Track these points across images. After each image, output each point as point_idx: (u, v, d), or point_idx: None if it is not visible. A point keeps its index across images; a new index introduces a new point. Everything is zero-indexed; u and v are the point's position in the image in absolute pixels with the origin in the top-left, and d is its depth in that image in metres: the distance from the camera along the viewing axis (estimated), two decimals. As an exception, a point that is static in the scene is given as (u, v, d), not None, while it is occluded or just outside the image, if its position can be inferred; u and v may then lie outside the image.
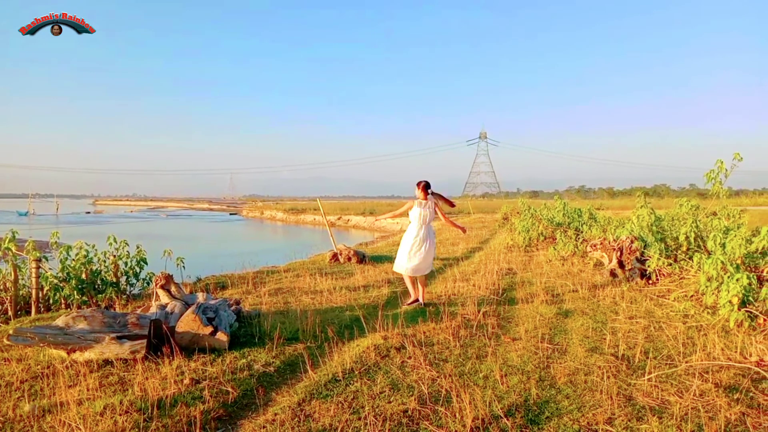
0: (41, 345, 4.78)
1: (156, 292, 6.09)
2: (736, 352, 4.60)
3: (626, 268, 8.30)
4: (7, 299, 7.25)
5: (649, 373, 4.14)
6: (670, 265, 7.54)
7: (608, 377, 4.09)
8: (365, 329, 5.56)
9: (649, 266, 7.67)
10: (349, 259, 11.78)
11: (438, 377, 4.21)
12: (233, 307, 6.07)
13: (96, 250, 8.14)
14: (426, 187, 6.95)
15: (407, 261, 6.83)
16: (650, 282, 7.80)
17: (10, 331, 5.08)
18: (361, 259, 11.78)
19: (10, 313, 7.15)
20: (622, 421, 3.35)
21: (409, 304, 6.97)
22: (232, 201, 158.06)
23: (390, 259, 12.14)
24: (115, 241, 8.37)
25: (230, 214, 78.65)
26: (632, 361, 4.53)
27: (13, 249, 7.63)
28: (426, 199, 6.94)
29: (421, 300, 7.00)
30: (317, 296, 7.73)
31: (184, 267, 8.96)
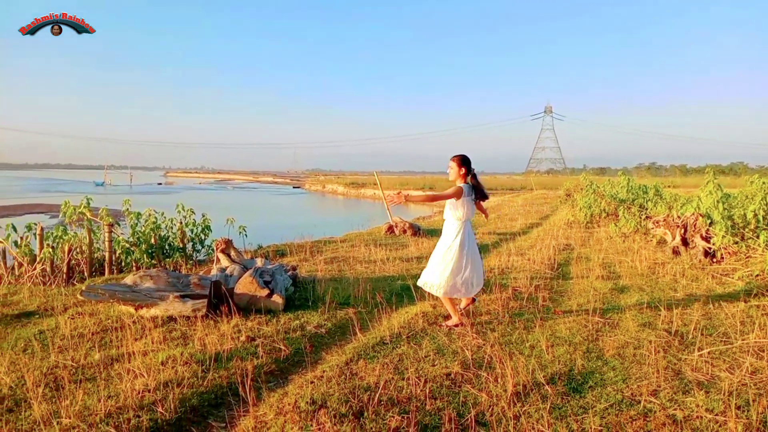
0: (111, 301, 5.18)
1: (217, 256, 6.42)
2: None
3: (689, 246, 8.00)
4: (82, 261, 7.82)
5: (702, 349, 4.04)
6: (737, 243, 7.21)
7: (658, 351, 4.02)
8: (415, 297, 5.66)
9: (714, 244, 7.38)
10: (405, 231, 11.90)
11: (484, 345, 4.27)
12: (290, 273, 6.32)
13: (164, 217, 8.64)
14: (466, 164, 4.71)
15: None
16: (714, 260, 7.50)
17: (83, 287, 5.51)
18: (416, 231, 11.88)
19: (85, 273, 7.72)
20: (668, 393, 3.31)
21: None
22: (296, 175, 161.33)
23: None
24: (183, 210, 8.85)
25: (293, 187, 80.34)
26: (686, 337, 4.43)
27: (88, 214, 8.19)
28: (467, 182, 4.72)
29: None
30: (371, 265, 7.91)
31: (246, 235, 9.38)
